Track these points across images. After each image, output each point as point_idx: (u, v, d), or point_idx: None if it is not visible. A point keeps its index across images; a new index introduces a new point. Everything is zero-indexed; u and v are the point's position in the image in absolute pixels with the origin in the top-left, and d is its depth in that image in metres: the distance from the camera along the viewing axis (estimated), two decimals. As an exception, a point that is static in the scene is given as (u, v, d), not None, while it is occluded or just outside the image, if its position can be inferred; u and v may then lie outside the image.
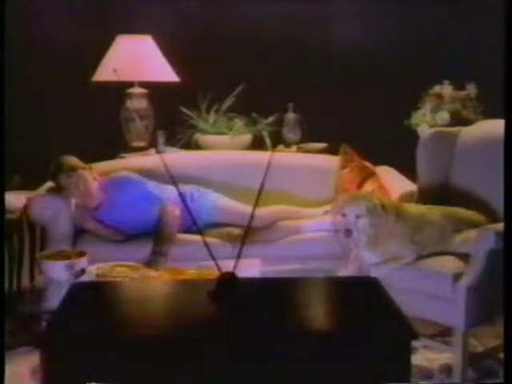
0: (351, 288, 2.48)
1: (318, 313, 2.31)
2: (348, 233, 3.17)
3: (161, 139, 4.55)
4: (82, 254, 3.18)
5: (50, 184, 3.96)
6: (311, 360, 2.00)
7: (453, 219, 3.25)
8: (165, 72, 4.50)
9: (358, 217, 3.15)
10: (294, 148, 4.63)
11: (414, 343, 2.09)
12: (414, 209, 3.29)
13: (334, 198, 4.02)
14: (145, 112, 4.55)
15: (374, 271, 3.08)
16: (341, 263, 3.47)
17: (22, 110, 4.37)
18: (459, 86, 4.44)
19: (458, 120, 4.22)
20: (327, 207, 4.02)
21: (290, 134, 4.65)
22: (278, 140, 4.63)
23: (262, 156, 4.21)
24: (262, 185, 2.46)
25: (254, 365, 2.00)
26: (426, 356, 3.28)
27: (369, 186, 3.93)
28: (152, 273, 3.16)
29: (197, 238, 3.44)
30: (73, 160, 3.91)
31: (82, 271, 3.09)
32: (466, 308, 2.95)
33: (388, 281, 2.55)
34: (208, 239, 2.43)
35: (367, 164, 4.17)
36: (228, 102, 4.59)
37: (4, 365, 2.23)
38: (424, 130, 4.26)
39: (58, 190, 3.85)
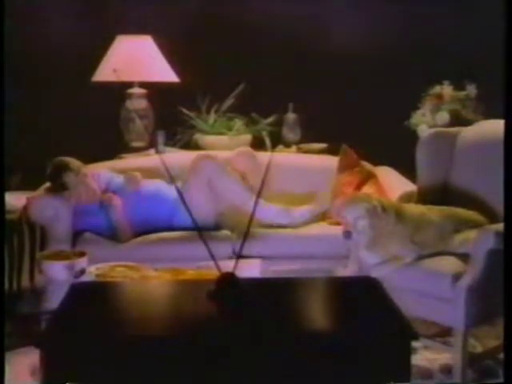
0: (351, 288, 2.48)
1: (317, 313, 2.30)
2: (347, 234, 3.17)
3: (160, 139, 4.55)
4: (81, 254, 3.17)
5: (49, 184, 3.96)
6: (311, 360, 2.00)
7: (453, 219, 3.25)
8: (165, 72, 4.50)
9: (357, 218, 3.15)
10: (293, 148, 4.63)
11: (414, 343, 2.08)
12: (414, 209, 3.29)
13: (332, 199, 4.02)
14: (145, 112, 4.55)
15: (374, 271, 3.08)
16: (341, 263, 3.47)
17: (22, 110, 4.37)
18: (459, 86, 4.44)
19: (458, 120, 4.22)
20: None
21: (290, 134, 4.64)
22: (277, 140, 4.63)
23: (261, 156, 4.21)
24: (262, 185, 2.46)
25: (254, 365, 2.00)
26: (425, 356, 3.28)
27: (368, 188, 3.92)
28: (152, 273, 3.15)
29: (196, 237, 3.44)
30: (75, 161, 3.90)
31: (82, 271, 3.09)
32: (465, 308, 2.95)
33: (388, 281, 2.55)
34: (207, 239, 2.42)
35: (366, 165, 4.17)
36: (228, 102, 4.59)
37: (4, 365, 2.23)
38: (424, 130, 4.25)
39: (57, 191, 3.84)
